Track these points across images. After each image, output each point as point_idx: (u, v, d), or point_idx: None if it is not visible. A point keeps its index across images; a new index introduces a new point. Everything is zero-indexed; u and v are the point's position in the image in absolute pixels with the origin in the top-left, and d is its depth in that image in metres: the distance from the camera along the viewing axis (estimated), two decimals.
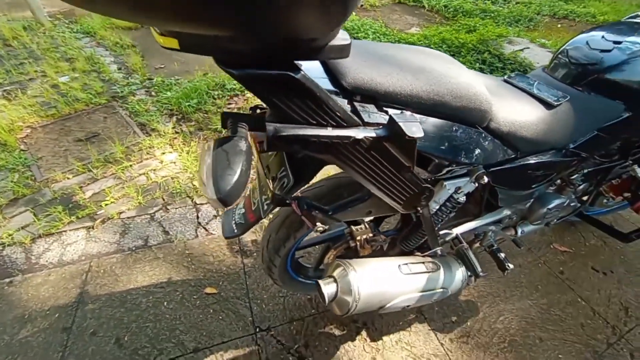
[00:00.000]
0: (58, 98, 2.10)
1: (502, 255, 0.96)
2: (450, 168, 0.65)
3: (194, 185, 1.65)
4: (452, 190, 0.75)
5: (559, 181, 0.93)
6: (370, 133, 0.52)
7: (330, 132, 0.50)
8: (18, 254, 1.35)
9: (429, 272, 0.78)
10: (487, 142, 0.66)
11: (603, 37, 0.83)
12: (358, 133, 0.51)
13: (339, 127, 0.50)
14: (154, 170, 1.72)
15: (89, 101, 2.11)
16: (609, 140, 0.84)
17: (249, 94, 2.31)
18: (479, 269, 0.84)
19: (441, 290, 0.81)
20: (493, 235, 1.00)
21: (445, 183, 0.73)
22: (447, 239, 0.88)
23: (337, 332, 1.16)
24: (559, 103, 0.73)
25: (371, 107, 0.55)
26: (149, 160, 1.78)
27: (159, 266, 1.32)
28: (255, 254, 1.37)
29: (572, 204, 1.01)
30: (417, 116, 0.57)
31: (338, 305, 0.70)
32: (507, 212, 0.92)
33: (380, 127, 0.53)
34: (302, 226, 0.82)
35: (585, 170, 0.93)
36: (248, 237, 1.43)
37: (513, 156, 0.73)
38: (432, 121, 0.59)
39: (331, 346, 1.12)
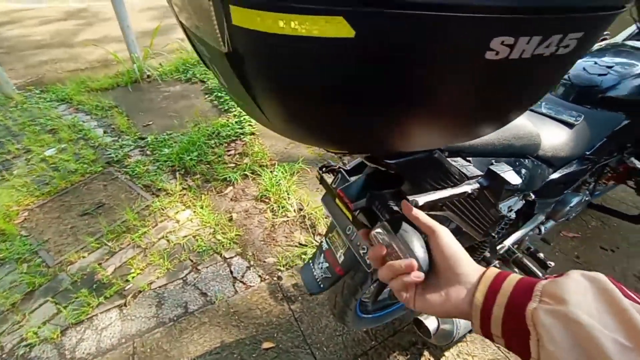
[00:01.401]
0: (50, 173, 2.01)
1: (542, 255, 1.07)
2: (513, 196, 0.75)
3: (217, 239, 1.64)
4: (506, 211, 0.84)
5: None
6: (476, 185, 0.60)
7: (452, 191, 0.57)
8: (49, 352, 1.26)
9: None
10: (537, 168, 0.76)
11: (596, 62, 1.00)
12: (469, 187, 0.59)
13: (455, 186, 0.58)
14: (173, 231, 1.69)
15: (84, 171, 2.04)
16: (613, 144, 0.99)
17: (246, 138, 2.35)
18: (539, 272, 0.93)
19: None
20: (529, 239, 1.11)
21: (500, 206, 0.82)
22: (501, 252, 0.97)
23: (401, 358, 1.19)
24: (577, 122, 0.87)
25: (461, 161, 0.63)
26: (164, 222, 1.74)
27: (208, 331, 1.29)
28: (300, 298, 1.38)
29: (586, 199, 1.15)
30: (490, 159, 0.66)
31: (441, 336, 0.75)
32: (541, 217, 1.04)
33: (481, 177, 0.61)
34: None
35: (594, 169, 1.08)
36: (288, 282, 1.44)
37: (551, 172, 0.84)
38: (504, 161, 0.68)
39: None
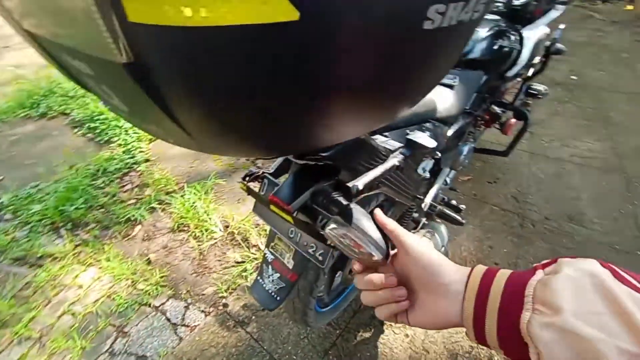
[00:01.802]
0: None
1: (454, 202, 1.23)
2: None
3: (140, 289, 1.41)
4: (423, 173, 0.93)
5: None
6: (400, 156, 0.63)
7: (383, 168, 0.58)
8: None
9: (432, 239, 0.95)
10: (439, 128, 0.85)
11: None
12: (395, 160, 0.61)
13: (385, 162, 0.59)
14: (77, 300, 1.38)
15: None
16: (480, 97, 1.19)
17: (141, 167, 2.05)
18: (460, 218, 1.06)
19: (443, 249, 0.99)
20: (441, 192, 1.26)
21: (418, 169, 0.90)
22: (425, 210, 1.08)
23: (367, 335, 1.24)
24: (455, 83, 1.00)
25: (380, 137, 0.65)
26: (60, 293, 1.41)
27: None
28: (253, 317, 1.30)
29: (472, 146, 1.37)
30: (403, 130, 0.71)
31: None
32: (446, 170, 1.19)
33: (402, 148, 0.64)
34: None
35: (473, 120, 1.28)
36: (236, 306, 1.34)
37: (447, 130, 0.96)
38: (415, 128, 0.74)
39: (370, 349, 1.19)
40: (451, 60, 0.37)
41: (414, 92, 0.38)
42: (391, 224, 0.42)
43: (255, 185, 0.77)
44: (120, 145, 2.25)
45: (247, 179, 0.78)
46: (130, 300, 1.37)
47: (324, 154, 0.47)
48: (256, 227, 1.66)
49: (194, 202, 1.75)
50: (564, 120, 2.51)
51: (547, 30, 1.42)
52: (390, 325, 1.27)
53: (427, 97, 0.82)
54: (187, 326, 1.28)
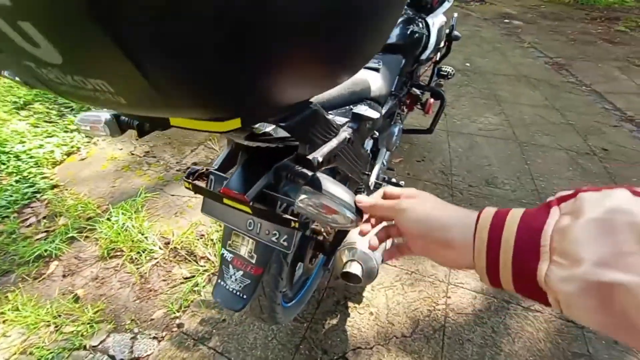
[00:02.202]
0: None
1: (394, 180, 1.32)
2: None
3: (69, 332, 1.19)
4: (366, 149, 0.97)
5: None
6: (349, 130, 0.64)
7: (337, 141, 0.58)
8: None
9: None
10: (374, 107, 0.90)
11: None
12: (346, 133, 0.62)
13: (337, 135, 0.60)
14: None
15: None
16: (402, 80, 1.29)
17: (47, 195, 1.74)
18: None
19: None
20: (381, 171, 1.34)
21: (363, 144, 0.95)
22: (372, 189, 1.13)
23: (334, 322, 1.25)
24: (380, 66, 1.07)
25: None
26: None
27: None
28: (213, 330, 1.21)
29: (401, 127, 1.48)
30: (342, 109, 0.73)
31: (368, 276, 0.81)
32: (383, 150, 1.26)
33: (350, 122, 0.66)
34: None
35: (399, 102, 1.39)
36: (192, 323, 1.23)
37: (381, 110, 1.03)
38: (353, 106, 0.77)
39: (340, 334, 1.21)
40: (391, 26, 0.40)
41: (355, 57, 0.40)
42: (382, 202, 0.43)
43: (199, 184, 0.72)
44: (11, 173, 1.88)
45: (191, 177, 0.72)
46: (56, 348, 1.15)
47: (283, 124, 0.46)
48: (200, 238, 1.54)
49: (124, 224, 1.56)
50: (467, 100, 2.89)
51: (444, 18, 1.62)
52: (355, 306, 1.30)
53: (361, 78, 0.86)
54: (138, 358, 1.13)
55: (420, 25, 1.33)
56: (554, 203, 0.30)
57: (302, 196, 0.45)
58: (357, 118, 0.68)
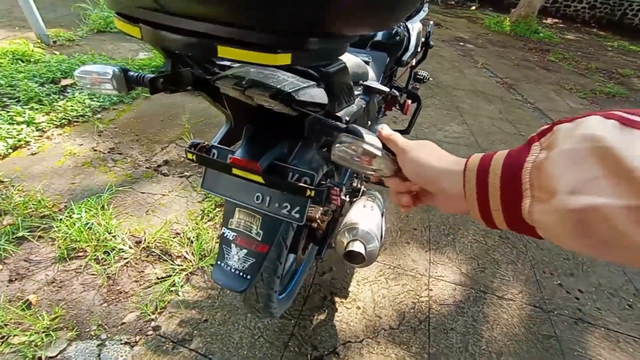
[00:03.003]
0: None
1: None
2: None
3: (21, 342, 1.04)
4: None
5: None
6: (363, 101, 0.65)
7: (356, 106, 0.59)
8: None
9: (374, 203, 1.02)
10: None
11: None
12: (362, 102, 0.63)
13: (355, 104, 0.61)
14: None
15: None
16: (386, 78, 1.35)
17: None
18: None
19: (384, 212, 1.07)
20: None
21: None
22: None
23: (322, 317, 1.23)
24: (370, 60, 1.11)
25: None
26: None
27: None
28: (195, 331, 1.12)
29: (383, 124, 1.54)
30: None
31: (370, 255, 0.81)
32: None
33: (362, 94, 0.67)
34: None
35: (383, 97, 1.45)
36: (171, 324, 1.13)
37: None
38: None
39: (329, 329, 1.19)
40: None
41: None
42: (397, 137, 0.44)
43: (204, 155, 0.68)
44: None
45: (193, 149, 0.68)
46: None
47: (324, 69, 0.45)
48: (176, 236, 1.45)
49: (87, 222, 1.41)
50: (433, 110, 3.07)
51: (421, 25, 1.73)
52: (342, 301, 1.29)
53: (361, 62, 0.89)
54: None
55: (402, 28, 1.41)
56: (535, 139, 0.31)
57: (343, 140, 0.44)
58: (369, 90, 0.69)
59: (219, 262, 0.71)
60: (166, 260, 1.34)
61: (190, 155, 0.65)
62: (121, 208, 1.55)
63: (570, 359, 1.20)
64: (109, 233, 1.40)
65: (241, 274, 0.68)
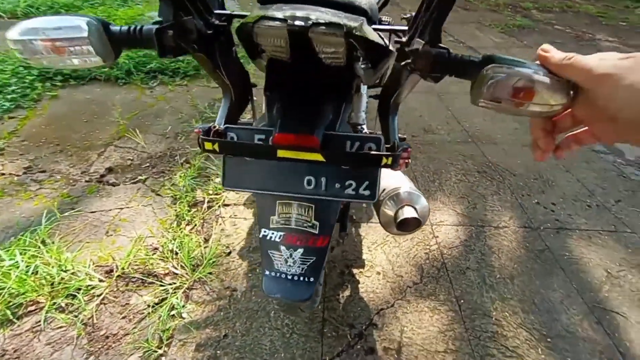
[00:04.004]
0: None
1: None
2: None
3: None
4: None
5: None
6: None
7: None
8: None
9: None
10: None
11: None
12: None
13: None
14: None
15: None
16: None
17: None
18: None
19: None
20: None
21: None
22: None
23: (347, 293, 1.16)
24: None
25: None
26: None
27: None
28: (219, 349, 0.97)
29: None
30: None
31: (423, 215, 0.73)
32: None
33: None
34: None
35: None
36: (185, 354, 0.96)
37: None
38: None
39: (358, 302, 1.13)
40: None
41: None
42: (576, 56, 0.32)
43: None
44: None
45: (211, 136, 0.50)
46: None
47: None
48: (155, 251, 1.22)
49: (28, 266, 1.10)
50: None
51: None
52: (360, 272, 1.23)
53: None
54: None
55: None
56: None
57: (497, 73, 0.33)
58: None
59: (267, 272, 0.57)
60: (153, 283, 1.12)
61: (209, 146, 0.48)
62: (70, 237, 1.25)
63: (563, 264, 1.33)
64: (65, 271, 1.12)
65: (301, 278, 0.55)
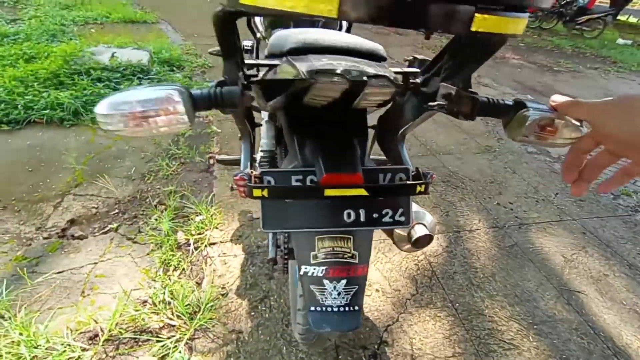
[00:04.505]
0: None
1: None
2: None
3: None
4: None
5: None
6: None
7: None
8: None
9: None
10: None
11: None
12: None
13: None
14: None
15: None
16: None
17: None
18: None
19: None
20: None
21: None
22: None
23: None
24: None
25: None
26: None
27: None
28: None
29: None
30: None
31: (432, 231, 0.78)
32: None
33: None
34: None
35: None
36: None
37: None
38: None
39: (364, 323, 1.15)
40: None
41: None
42: (576, 100, 0.40)
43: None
44: None
45: (258, 183, 0.51)
46: None
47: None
48: (144, 305, 1.12)
49: None
50: None
51: None
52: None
53: None
54: None
55: None
56: None
57: (533, 114, 0.39)
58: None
59: (312, 308, 0.57)
60: (148, 340, 1.02)
61: (258, 193, 0.48)
62: (37, 305, 1.09)
63: (531, 256, 1.50)
64: (37, 347, 0.97)
65: (347, 308, 0.57)
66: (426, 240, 0.76)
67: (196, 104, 0.40)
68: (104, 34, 3.62)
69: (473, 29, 0.30)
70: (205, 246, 1.36)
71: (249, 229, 1.47)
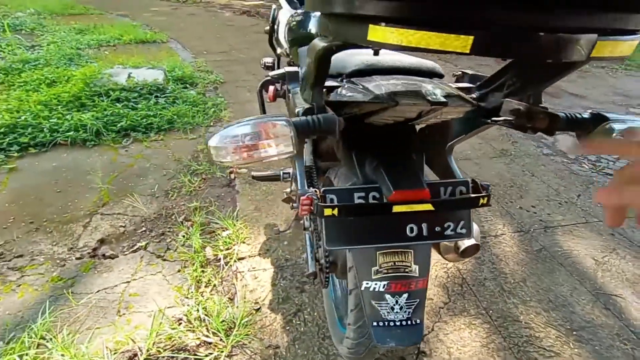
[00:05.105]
0: None
1: None
2: None
3: None
4: None
5: None
6: None
7: None
8: None
9: None
10: None
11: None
12: None
13: None
14: None
15: None
16: None
17: None
18: None
19: None
20: None
21: None
22: None
23: None
24: None
25: None
26: None
27: None
28: None
29: None
30: None
31: (477, 238, 0.78)
32: None
33: None
34: None
35: None
36: None
37: None
38: None
39: None
40: None
41: None
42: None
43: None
44: None
45: (324, 202, 0.52)
46: None
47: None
48: (179, 322, 1.12)
49: None
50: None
51: None
52: None
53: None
54: None
55: None
56: None
57: (615, 127, 0.40)
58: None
59: (374, 323, 0.57)
60: (187, 358, 1.03)
61: (329, 211, 0.49)
62: (76, 325, 1.10)
63: (561, 259, 1.48)
64: None
65: (409, 322, 0.57)
66: (473, 249, 0.76)
67: (299, 132, 0.42)
68: (118, 55, 3.72)
69: (592, 55, 0.31)
70: (235, 261, 1.37)
71: (276, 242, 1.48)
